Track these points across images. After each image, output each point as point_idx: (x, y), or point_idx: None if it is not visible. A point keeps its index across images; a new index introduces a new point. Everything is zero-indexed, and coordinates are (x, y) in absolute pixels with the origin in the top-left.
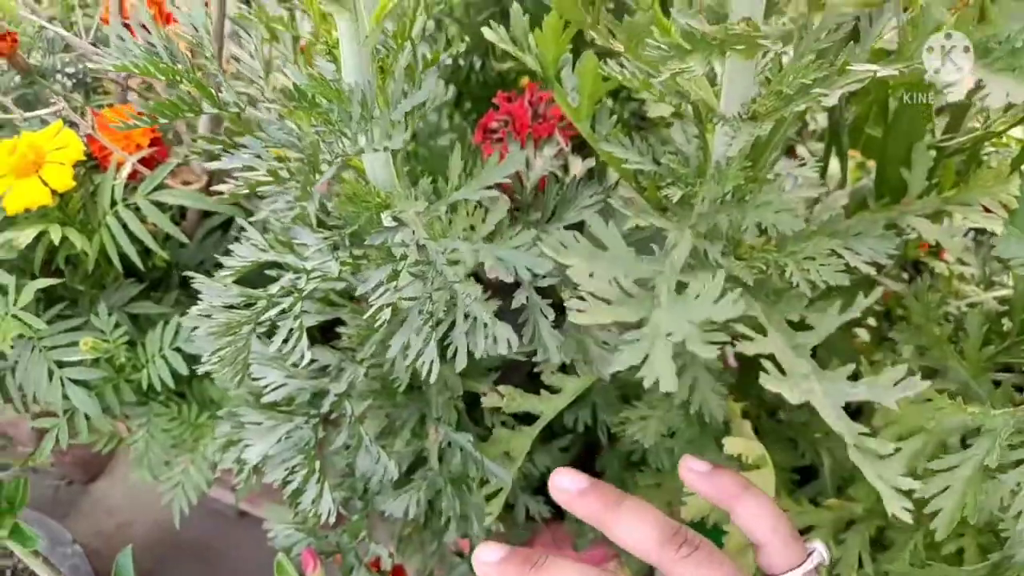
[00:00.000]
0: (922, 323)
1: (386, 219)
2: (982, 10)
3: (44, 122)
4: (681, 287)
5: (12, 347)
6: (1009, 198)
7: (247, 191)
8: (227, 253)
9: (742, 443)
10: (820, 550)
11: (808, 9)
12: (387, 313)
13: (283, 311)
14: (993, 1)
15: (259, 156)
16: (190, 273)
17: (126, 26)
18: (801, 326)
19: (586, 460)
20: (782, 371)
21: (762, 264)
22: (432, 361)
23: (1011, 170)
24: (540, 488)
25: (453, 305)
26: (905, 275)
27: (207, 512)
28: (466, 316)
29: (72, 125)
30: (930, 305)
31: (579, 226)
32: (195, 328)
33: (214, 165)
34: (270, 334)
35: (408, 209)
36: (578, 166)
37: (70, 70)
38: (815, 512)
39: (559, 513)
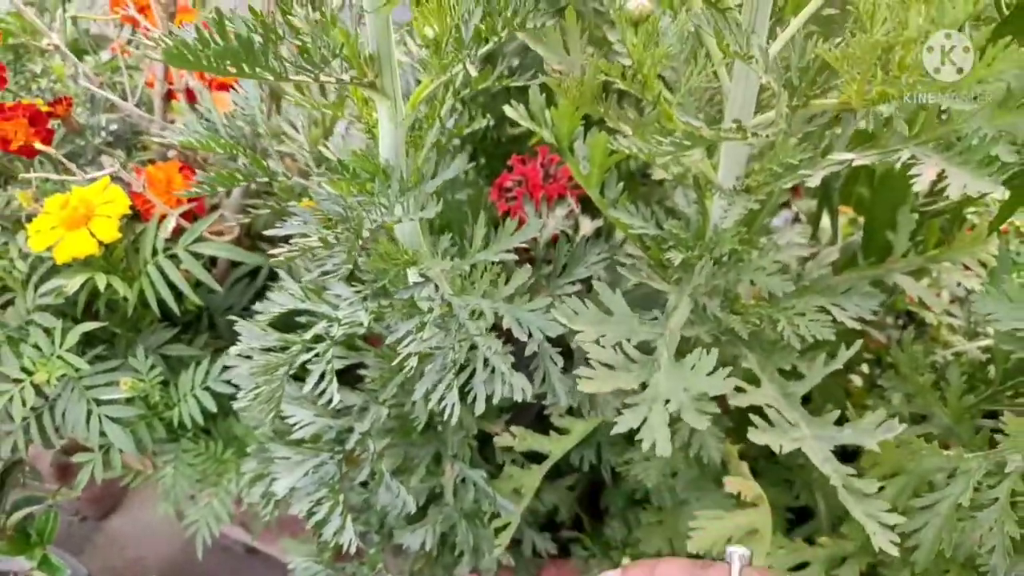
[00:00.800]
0: (907, 372)
1: (413, 275)
2: (944, 111)
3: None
4: (680, 354)
5: (53, 386)
6: (988, 257)
7: (299, 254)
8: (255, 298)
9: (740, 483)
10: None
11: (790, 108)
12: (414, 361)
13: (316, 355)
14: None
15: (307, 222)
16: (233, 317)
17: (170, 94)
18: (792, 374)
19: (591, 498)
20: (773, 419)
21: (756, 319)
22: (453, 404)
23: (989, 231)
24: (546, 525)
25: (473, 355)
26: (899, 322)
27: (217, 548)
28: (486, 365)
29: (118, 180)
30: (915, 356)
31: (587, 281)
32: (227, 368)
33: (273, 232)
34: (297, 376)
35: (434, 267)
36: (587, 226)
37: (113, 127)
38: (809, 550)
39: (565, 550)
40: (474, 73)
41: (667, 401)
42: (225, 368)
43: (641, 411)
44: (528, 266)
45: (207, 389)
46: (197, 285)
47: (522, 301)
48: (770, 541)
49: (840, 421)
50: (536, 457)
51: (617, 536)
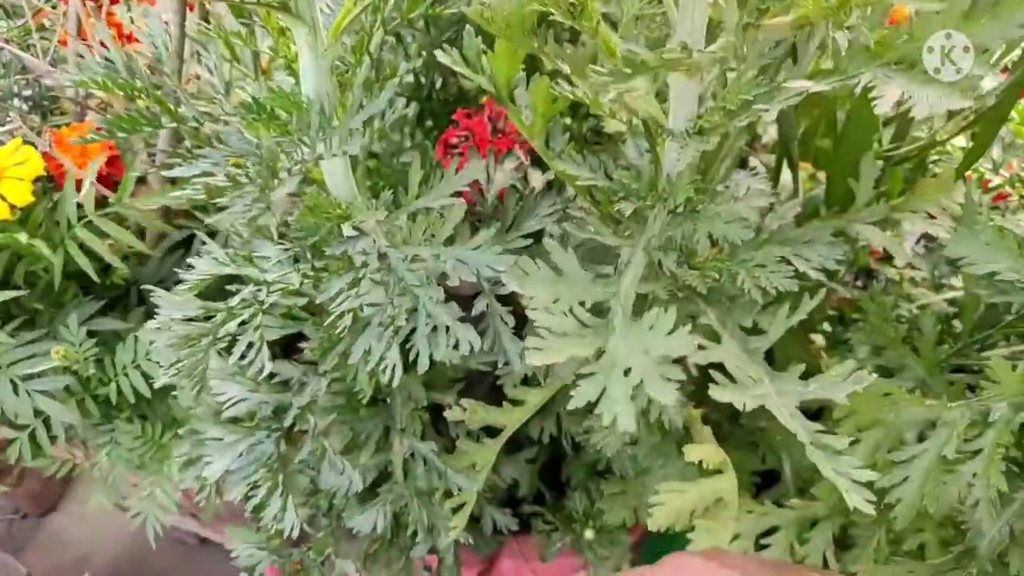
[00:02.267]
0: (878, 324)
1: (347, 229)
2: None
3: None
4: (637, 311)
5: None
6: (953, 205)
7: (205, 197)
8: (189, 269)
9: (702, 449)
10: None
11: (744, 33)
12: (348, 320)
13: (243, 323)
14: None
15: (217, 164)
16: (150, 287)
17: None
18: (754, 331)
19: (552, 470)
20: (735, 376)
21: (715, 273)
22: (395, 366)
23: (955, 177)
24: (507, 500)
25: (414, 311)
26: (858, 282)
27: (168, 541)
28: (428, 319)
29: (30, 144)
30: (885, 306)
31: (538, 235)
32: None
33: (173, 173)
34: (230, 349)
35: (369, 219)
36: (537, 179)
37: (27, 92)
38: (778, 513)
39: (526, 525)
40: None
41: (627, 370)
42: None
43: (599, 381)
44: (463, 202)
45: (142, 368)
46: (126, 258)
47: (463, 243)
48: (736, 507)
49: (805, 376)
50: (492, 431)
51: (579, 508)
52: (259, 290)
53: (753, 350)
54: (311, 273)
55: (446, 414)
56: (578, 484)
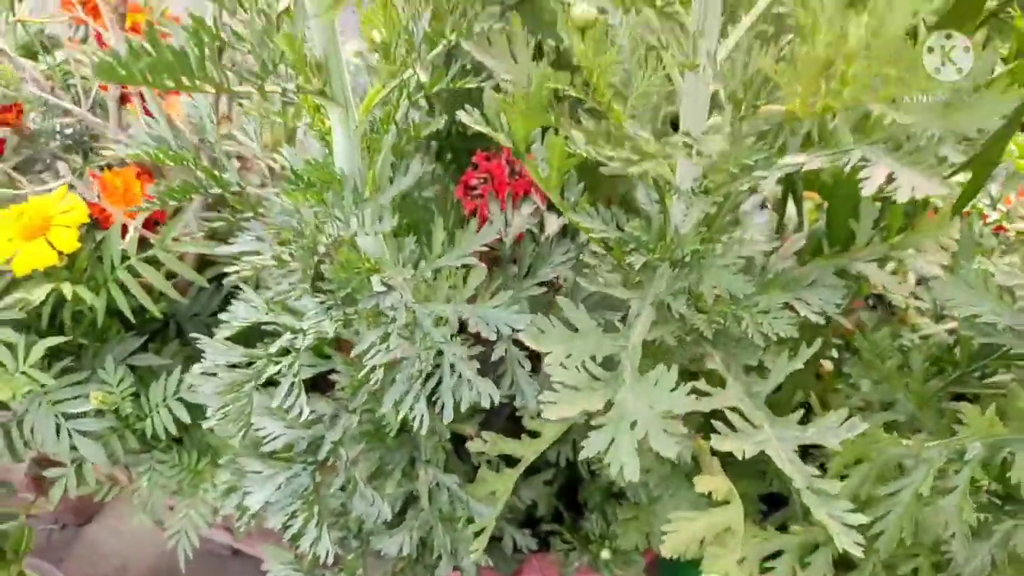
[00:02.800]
0: (871, 359)
1: (376, 284)
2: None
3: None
4: (646, 356)
5: (20, 401)
6: (950, 241)
7: (253, 273)
8: (223, 304)
9: (711, 481)
10: None
11: (738, 119)
12: (380, 372)
13: (282, 369)
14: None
15: (261, 239)
16: (196, 335)
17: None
18: (758, 369)
19: (570, 493)
20: (736, 424)
21: (720, 317)
22: (423, 414)
23: (951, 215)
24: (526, 521)
25: (439, 363)
26: (869, 302)
27: (202, 552)
28: (452, 372)
29: (75, 188)
30: (877, 343)
31: (553, 290)
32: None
33: (224, 250)
34: (267, 384)
35: (397, 276)
36: (553, 223)
37: (68, 131)
38: (781, 538)
39: (545, 544)
40: (425, 78)
41: (634, 423)
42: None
43: (608, 432)
44: (483, 266)
45: (179, 399)
46: (163, 294)
47: (485, 300)
48: (742, 535)
49: (804, 419)
50: (511, 459)
51: (596, 530)
52: (295, 338)
53: (755, 394)
54: (342, 318)
55: (468, 445)
56: (595, 506)
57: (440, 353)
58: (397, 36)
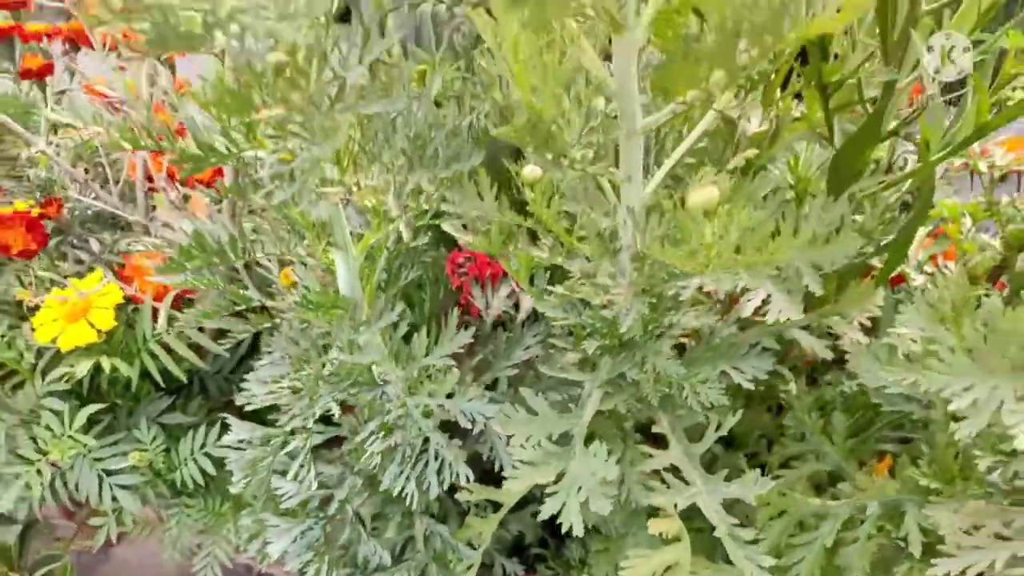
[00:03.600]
0: (801, 416)
1: (378, 378)
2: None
3: (80, 261)
4: (602, 419)
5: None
6: (875, 310)
7: (274, 401)
8: (241, 361)
9: (662, 523)
10: None
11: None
12: (378, 458)
13: (295, 448)
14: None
15: (283, 357)
16: (225, 415)
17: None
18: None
19: (553, 524)
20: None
21: (666, 385)
22: (413, 492)
23: (876, 284)
24: (513, 549)
25: (426, 447)
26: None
27: (226, 571)
28: (436, 457)
29: (109, 270)
30: (804, 403)
31: (526, 363)
32: (223, 434)
33: (253, 376)
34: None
35: (391, 373)
36: (526, 304)
37: (98, 205)
38: (726, 570)
39: (531, 569)
40: (407, 237)
41: (579, 488)
42: (221, 433)
43: (560, 498)
44: (456, 371)
45: (205, 453)
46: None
47: (463, 394)
48: (689, 568)
49: (729, 477)
50: (496, 504)
51: (576, 557)
52: (306, 419)
53: (692, 455)
54: (347, 396)
55: (457, 495)
56: (574, 536)
57: (427, 440)
58: (384, 207)
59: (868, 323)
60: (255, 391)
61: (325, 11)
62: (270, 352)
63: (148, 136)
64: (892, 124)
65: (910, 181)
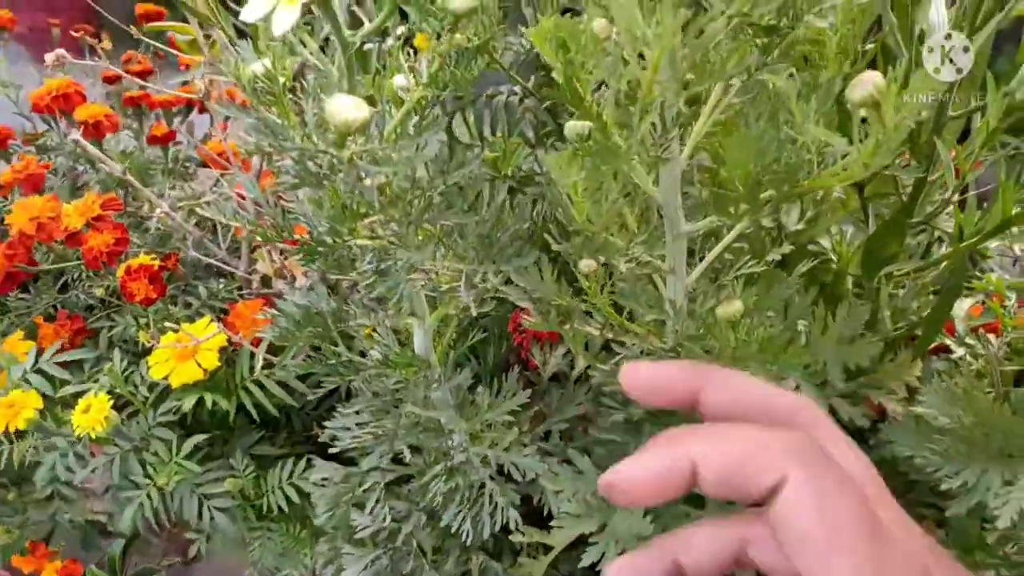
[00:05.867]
0: None
1: (444, 427)
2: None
3: (189, 305)
4: None
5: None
6: (913, 380)
7: (358, 445)
8: (323, 399)
9: None
10: None
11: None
12: (440, 499)
13: (370, 486)
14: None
15: (360, 412)
16: (310, 450)
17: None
18: None
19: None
20: None
21: None
22: (468, 532)
23: (913, 357)
24: None
25: (482, 493)
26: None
27: None
28: (490, 501)
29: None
30: None
31: (578, 417)
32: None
33: (338, 423)
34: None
35: (458, 428)
36: (580, 365)
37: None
38: None
39: None
40: (474, 312)
41: (617, 541)
42: (306, 467)
43: (600, 548)
44: (515, 429)
45: (292, 484)
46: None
47: (518, 448)
48: None
49: None
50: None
51: None
52: (382, 459)
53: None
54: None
55: (511, 536)
56: None
57: (483, 486)
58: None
59: (907, 394)
60: (340, 435)
61: (426, 158)
62: (356, 402)
63: (276, 231)
64: (926, 211)
65: (944, 264)
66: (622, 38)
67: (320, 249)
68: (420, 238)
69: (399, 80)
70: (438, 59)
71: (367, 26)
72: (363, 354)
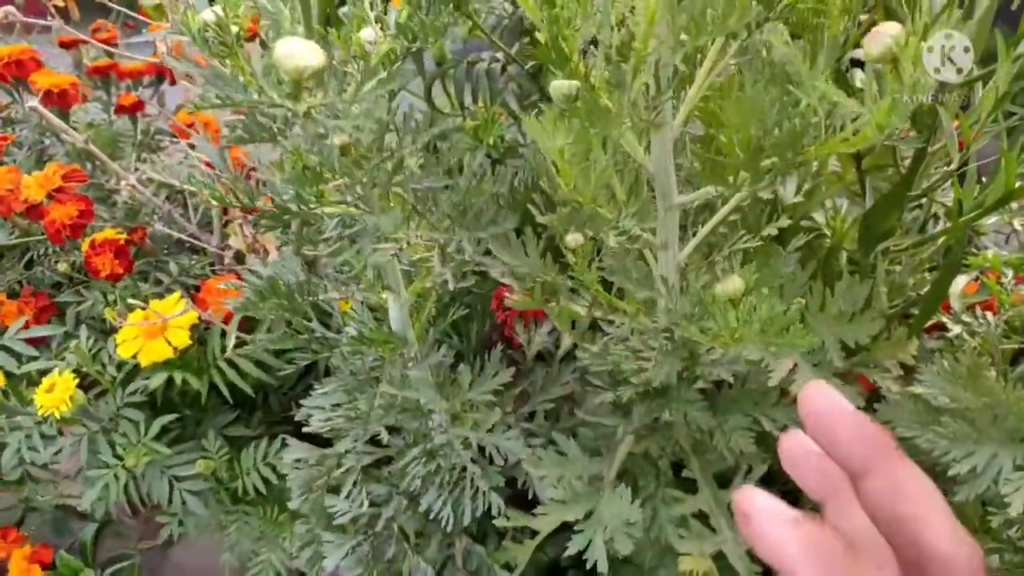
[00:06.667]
0: None
1: (424, 407)
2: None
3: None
4: (621, 477)
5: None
6: (909, 358)
7: (331, 427)
8: (300, 378)
9: (692, 561)
10: None
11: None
12: (418, 482)
13: (347, 469)
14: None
15: (336, 390)
16: (285, 430)
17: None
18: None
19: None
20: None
21: (696, 433)
22: (449, 517)
23: (909, 335)
24: (549, 571)
25: (463, 476)
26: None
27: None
28: (471, 485)
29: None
30: None
31: (563, 397)
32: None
33: (312, 402)
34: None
35: (438, 407)
36: (566, 342)
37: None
38: None
39: None
40: (452, 284)
41: (605, 528)
42: (281, 447)
43: (587, 535)
44: (497, 409)
45: (267, 464)
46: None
47: (501, 431)
48: None
49: None
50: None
51: None
52: (356, 442)
53: (720, 501)
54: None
55: (495, 521)
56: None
57: (464, 469)
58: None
59: (902, 372)
60: (314, 416)
61: (383, 116)
62: (330, 381)
63: (235, 197)
64: (924, 185)
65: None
66: None
67: (285, 216)
68: (392, 204)
69: (366, 33)
70: (407, 7)
71: None
72: (340, 331)
